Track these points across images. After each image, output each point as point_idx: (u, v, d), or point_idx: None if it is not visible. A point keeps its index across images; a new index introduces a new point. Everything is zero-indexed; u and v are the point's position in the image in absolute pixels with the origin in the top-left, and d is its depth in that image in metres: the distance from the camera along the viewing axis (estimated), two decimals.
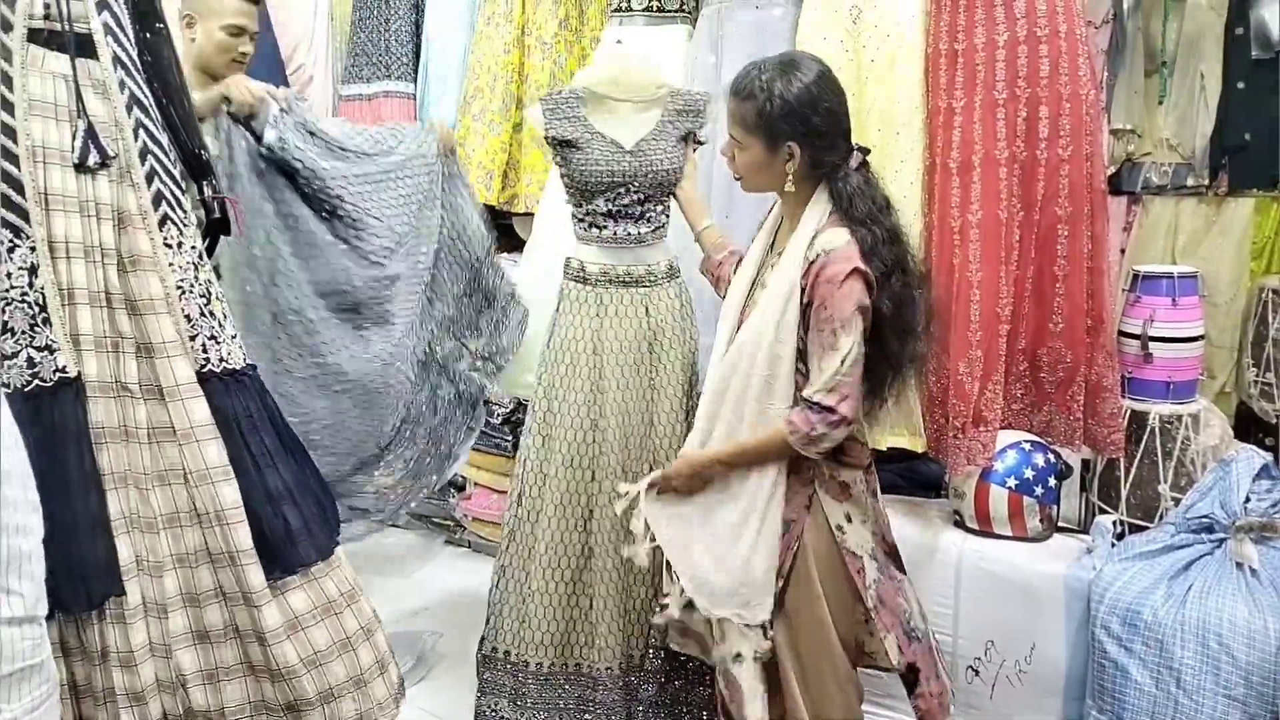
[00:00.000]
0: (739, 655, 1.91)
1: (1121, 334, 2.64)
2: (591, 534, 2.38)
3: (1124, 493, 2.59)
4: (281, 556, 1.77)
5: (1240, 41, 3.15)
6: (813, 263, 1.81)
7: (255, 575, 1.73)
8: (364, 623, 1.88)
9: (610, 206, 2.34)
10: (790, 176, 1.86)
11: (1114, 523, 2.47)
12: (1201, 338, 2.63)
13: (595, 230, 2.37)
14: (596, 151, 2.33)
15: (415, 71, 3.67)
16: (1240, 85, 3.17)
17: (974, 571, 2.47)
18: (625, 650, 2.40)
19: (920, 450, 2.58)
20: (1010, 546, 2.48)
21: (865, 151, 1.88)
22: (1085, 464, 2.75)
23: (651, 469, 2.26)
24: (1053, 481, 2.49)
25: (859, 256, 1.79)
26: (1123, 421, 2.56)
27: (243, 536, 1.71)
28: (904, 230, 1.90)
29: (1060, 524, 2.61)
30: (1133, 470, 2.58)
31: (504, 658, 2.45)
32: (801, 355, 1.85)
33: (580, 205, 2.39)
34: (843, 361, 1.77)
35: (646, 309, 2.37)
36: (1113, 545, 2.39)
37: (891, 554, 2.02)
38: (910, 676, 1.97)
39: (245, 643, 1.76)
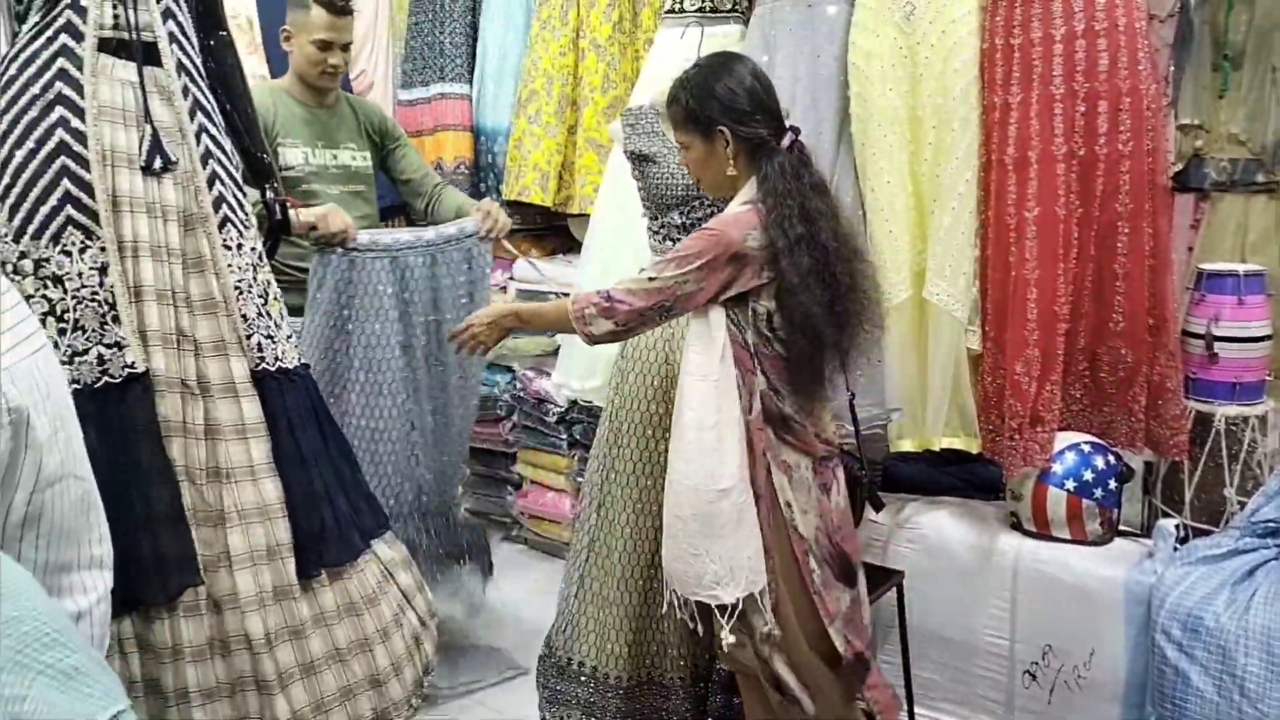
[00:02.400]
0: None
1: (1186, 334, 2.58)
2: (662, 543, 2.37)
3: (1188, 496, 2.53)
4: (313, 554, 1.81)
5: None
6: None
7: (292, 570, 1.77)
8: (381, 626, 1.92)
9: (684, 220, 2.34)
10: (731, 162, 1.93)
11: (1177, 526, 2.42)
12: (1269, 337, 2.56)
13: (670, 243, 2.36)
14: (672, 166, 2.32)
15: (470, 73, 3.72)
16: None
17: (1031, 575, 2.43)
18: (695, 659, 2.38)
19: (975, 451, 2.55)
20: (1069, 550, 2.43)
21: (796, 131, 1.95)
22: (1148, 466, 2.69)
23: None
24: (1113, 484, 2.45)
25: (742, 225, 1.86)
26: (1186, 423, 2.50)
27: (283, 531, 1.76)
28: (835, 212, 1.94)
29: (1122, 527, 2.56)
30: (1197, 473, 2.52)
31: (578, 669, 2.41)
32: (736, 324, 1.90)
33: (656, 218, 2.40)
34: (650, 280, 1.86)
35: None
36: (1175, 549, 2.33)
37: (839, 560, 1.96)
38: (860, 665, 1.95)
39: (293, 641, 1.79)
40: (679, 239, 2.33)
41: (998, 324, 2.50)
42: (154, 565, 1.63)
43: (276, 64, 3.46)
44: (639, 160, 2.39)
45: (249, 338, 1.76)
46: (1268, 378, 2.59)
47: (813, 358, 1.90)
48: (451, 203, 2.92)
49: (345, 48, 2.67)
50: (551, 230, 3.86)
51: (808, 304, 1.85)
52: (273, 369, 1.80)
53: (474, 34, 3.75)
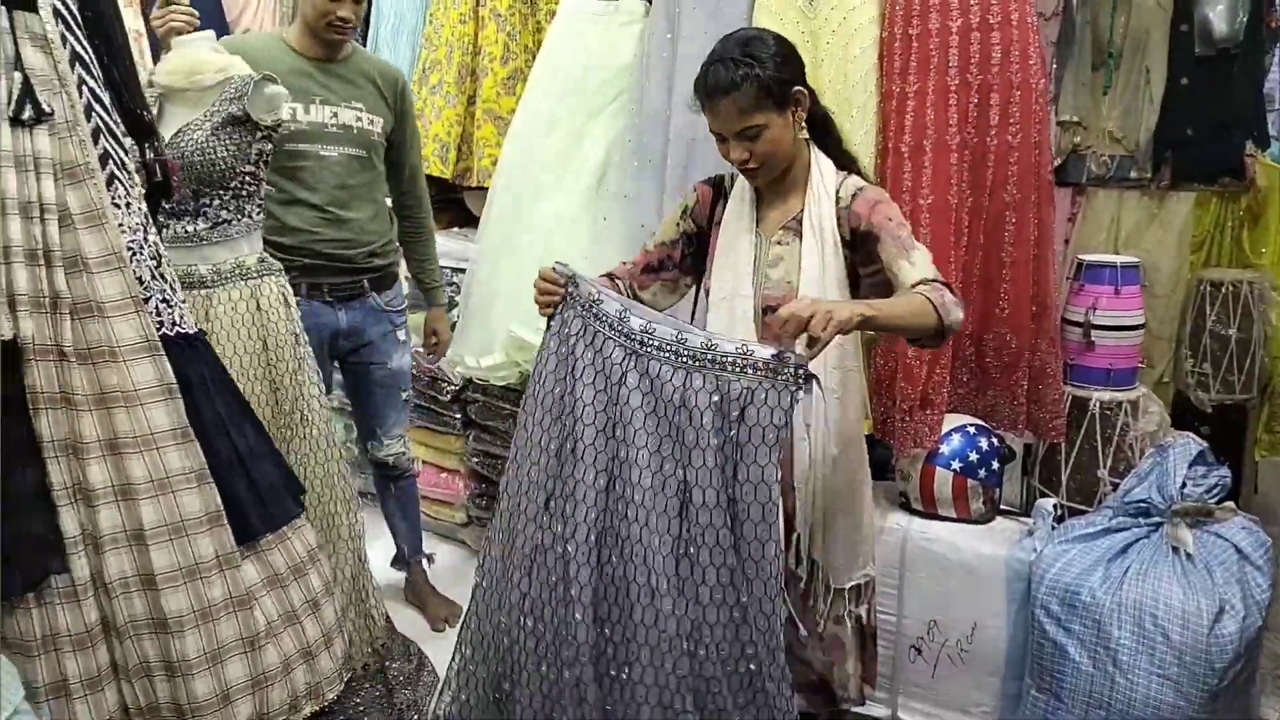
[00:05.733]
0: (841, 617, 2.01)
1: (1065, 321, 2.69)
2: None
3: (1064, 477, 2.63)
4: (244, 520, 1.73)
5: (1184, 38, 3.20)
6: (848, 207, 1.88)
7: (205, 546, 1.68)
8: (310, 596, 1.86)
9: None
10: (802, 126, 1.91)
11: (1054, 506, 2.51)
12: (1142, 326, 2.69)
13: (166, 230, 2.21)
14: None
15: (364, 38, 3.60)
16: (1184, 80, 3.22)
17: (918, 552, 2.50)
18: None
19: (868, 432, 2.60)
20: (954, 528, 2.51)
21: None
22: (1028, 448, 2.80)
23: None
24: (996, 465, 2.53)
25: None
26: (1064, 407, 2.61)
27: (190, 503, 1.66)
28: None
29: (1003, 507, 2.65)
30: (1073, 455, 2.63)
31: None
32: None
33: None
34: (927, 255, 1.81)
35: (206, 312, 2.23)
36: (1053, 528, 2.43)
37: None
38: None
39: (206, 621, 1.69)
40: (166, 224, 2.21)
41: None
42: (15, 552, 1.52)
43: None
44: None
45: (146, 300, 1.66)
46: (1140, 364, 2.71)
47: None
48: (421, 265, 2.89)
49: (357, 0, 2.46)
50: (448, 204, 3.77)
51: None
52: (172, 334, 1.70)
53: None
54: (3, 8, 1.55)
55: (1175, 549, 2.21)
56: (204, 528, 1.67)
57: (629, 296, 2.03)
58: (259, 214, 2.31)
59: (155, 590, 1.63)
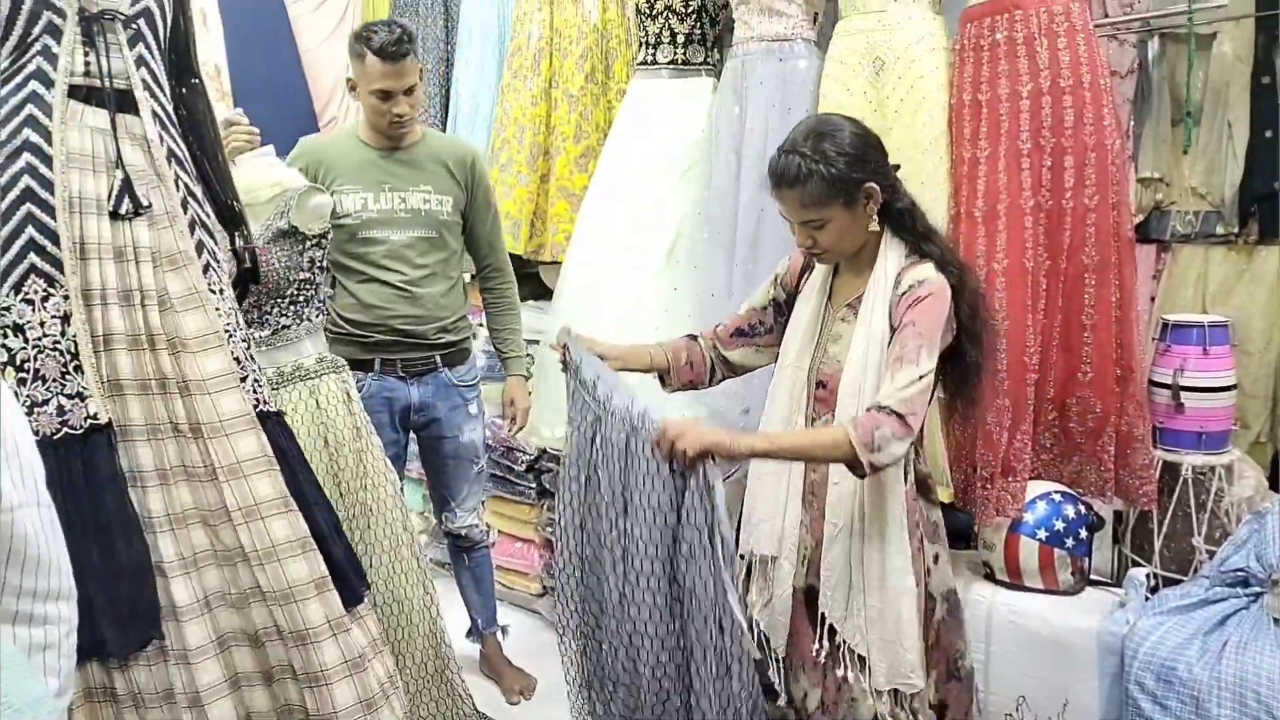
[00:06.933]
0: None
1: (1152, 383, 2.61)
2: None
3: (1157, 545, 2.54)
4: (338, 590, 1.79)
5: (1267, 90, 3.14)
6: (903, 296, 1.80)
7: (315, 611, 1.73)
8: (391, 667, 1.89)
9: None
10: (874, 219, 1.85)
11: (1147, 575, 2.42)
12: (1233, 387, 2.59)
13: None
14: None
15: (444, 123, 3.73)
16: (1268, 133, 3.15)
17: (1004, 625, 2.43)
18: None
19: (947, 501, 2.55)
20: (1041, 600, 2.44)
21: (896, 167, 1.92)
22: (1117, 515, 2.71)
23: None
24: (1084, 533, 2.45)
25: (948, 287, 1.81)
26: (1155, 472, 2.52)
27: (296, 571, 1.71)
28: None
29: (1092, 577, 2.56)
30: (1165, 522, 2.53)
31: None
32: None
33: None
34: (920, 378, 1.71)
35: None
36: (1146, 599, 2.34)
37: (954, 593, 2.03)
38: (939, 712, 1.96)
39: (303, 685, 1.75)
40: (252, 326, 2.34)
41: None
42: (117, 618, 1.60)
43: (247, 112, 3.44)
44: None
45: (243, 380, 1.75)
46: (1233, 427, 2.61)
47: (979, 398, 1.94)
48: (500, 336, 2.93)
49: (409, 92, 2.57)
50: (522, 278, 3.84)
51: (975, 333, 1.86)
52: (266, 410, 1.79)
53: (446, 84, 3.77)
54: (105, 112, 1.66)
55: (1277, 620, 2.11)
56: (312, 593, 1.72)
57: (713, 355, 2.12)
58: (319, 316, 2.42)
59: (260, 647, 1.73)
